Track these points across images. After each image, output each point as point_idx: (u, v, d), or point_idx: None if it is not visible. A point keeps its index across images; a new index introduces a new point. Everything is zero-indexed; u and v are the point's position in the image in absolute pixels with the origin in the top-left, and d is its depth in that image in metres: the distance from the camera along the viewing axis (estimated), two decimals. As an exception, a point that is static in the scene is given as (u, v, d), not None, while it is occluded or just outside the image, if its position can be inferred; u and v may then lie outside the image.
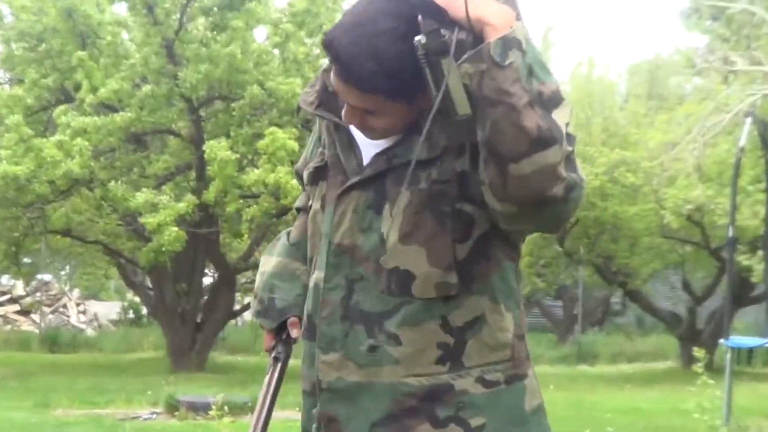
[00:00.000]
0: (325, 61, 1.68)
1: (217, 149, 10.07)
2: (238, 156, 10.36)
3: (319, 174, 1.67)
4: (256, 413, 1.72)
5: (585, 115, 13.87)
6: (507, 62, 1.36)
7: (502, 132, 1.37)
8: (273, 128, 9.97)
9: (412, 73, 1.41)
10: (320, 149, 1.70)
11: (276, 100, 10.64)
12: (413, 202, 1.53)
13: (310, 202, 1.72)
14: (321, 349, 1.61)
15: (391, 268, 1.54)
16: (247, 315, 16.36)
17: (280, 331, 1.78)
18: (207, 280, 14.32)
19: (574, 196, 1.41)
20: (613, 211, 13.26)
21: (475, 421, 1.55)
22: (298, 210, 1.89)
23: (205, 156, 10.30)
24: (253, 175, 10.03)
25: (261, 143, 10.02)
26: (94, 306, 19.75)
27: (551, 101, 1.38)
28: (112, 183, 10.48)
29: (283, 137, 9.80)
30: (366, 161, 1.59)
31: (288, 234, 1.88)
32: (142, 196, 10.07)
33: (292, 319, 1.77)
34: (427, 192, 1.52)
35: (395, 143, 1.56)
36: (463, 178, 1.52)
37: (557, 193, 1.39)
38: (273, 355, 1.77)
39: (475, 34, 1.39)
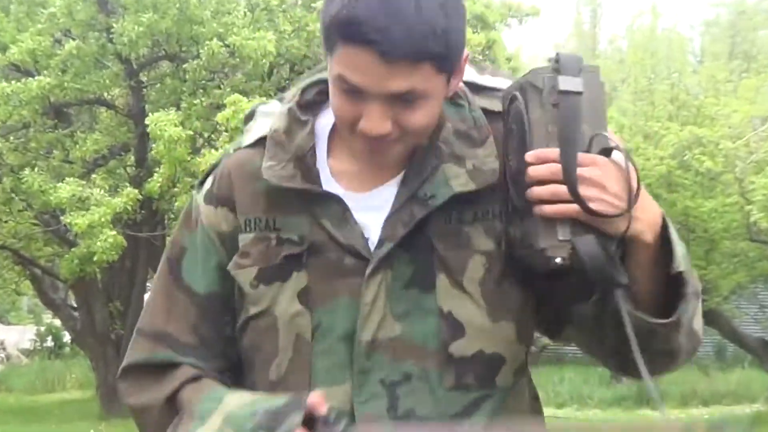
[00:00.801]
0: (285, 97, 1.71)
1: (164, 124, 10.07)
2: (191, 133, 10.38)
3: (288, 266, 1.59)
4: None
5: (647, 80, 13.89)
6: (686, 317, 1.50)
7: (649, 361, 1.46)
8: (236, 96, 9.97)
9: (456, 31, 1.46)
10: (261, 235, 1.60)
11: (241, 60, 10.66)
12: (492, 269, 1.57)
13: (253, 311, 1.59)
14: None
15: (470, 355, 1.56)
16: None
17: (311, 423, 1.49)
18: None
19: None
20: (683, 206, 13.27)
21: None
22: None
23: (149, 133, 10.31)
24: (210, 157, 10.04)
25: (220, 116, 10.04)
26: (1, 332, 19.78)
27: (696, 295, 1.51)
28: (27, 170, 10.49)
29: (249, 108, 9.83)
30: (371, 228, 1.57)
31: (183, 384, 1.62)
32: (66, 189, 10.05)
33: (315, 396, 1.48)
34: (500, 248, 1.57)
35: (410, 177, 1.57)
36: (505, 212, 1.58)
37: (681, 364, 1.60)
38: None
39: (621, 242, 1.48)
